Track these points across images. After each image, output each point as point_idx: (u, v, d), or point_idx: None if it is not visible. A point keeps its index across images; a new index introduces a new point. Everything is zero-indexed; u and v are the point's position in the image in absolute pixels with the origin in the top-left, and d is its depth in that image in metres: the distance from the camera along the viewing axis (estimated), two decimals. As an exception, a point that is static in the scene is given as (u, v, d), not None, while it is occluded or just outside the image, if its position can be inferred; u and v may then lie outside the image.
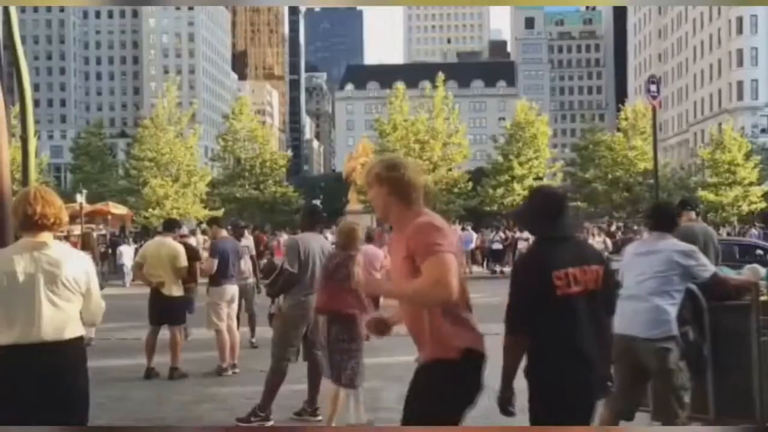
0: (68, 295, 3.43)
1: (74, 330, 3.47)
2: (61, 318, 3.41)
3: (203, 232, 28.00)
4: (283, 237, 26.24)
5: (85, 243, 22.53)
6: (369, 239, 12.21)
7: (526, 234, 30.12)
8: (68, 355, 3.43)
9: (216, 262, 8.90)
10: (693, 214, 7.57)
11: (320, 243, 6.59)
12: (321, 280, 5.99)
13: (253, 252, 11.31)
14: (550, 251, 3.41)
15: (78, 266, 3.50)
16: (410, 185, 3.34)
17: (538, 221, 3.55)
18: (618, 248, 30.53)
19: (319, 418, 6.43)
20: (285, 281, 6.33)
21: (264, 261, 24.79)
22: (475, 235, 30.48)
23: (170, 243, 8.88)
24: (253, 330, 11.02)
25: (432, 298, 3.14)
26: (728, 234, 33.22)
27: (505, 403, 3.58)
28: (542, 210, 3.52)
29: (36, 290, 3.37)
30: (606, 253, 19.25)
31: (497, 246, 29.68)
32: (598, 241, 29.94)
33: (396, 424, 6.00)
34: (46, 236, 3.46)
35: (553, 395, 3.49)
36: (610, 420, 4.92)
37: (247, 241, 12.01)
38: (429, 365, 3.33)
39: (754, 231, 30.62)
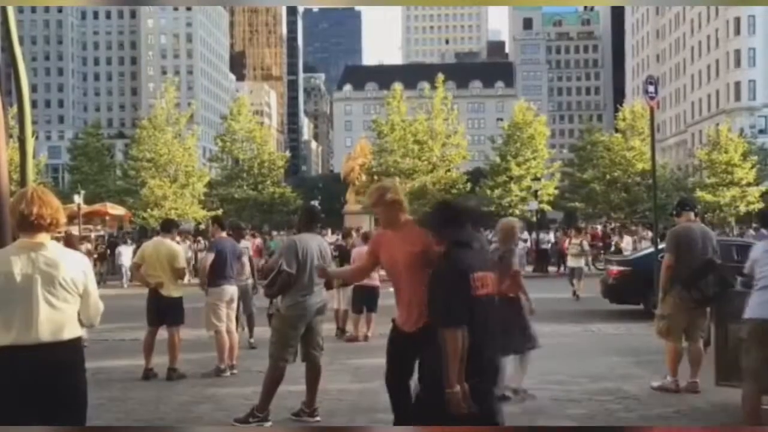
0: (65, 295, 3.43)
1: (72, 331, 3.47)
2: (58, 319, 3.40)
3: (197, 234, 27.98)
4: (257, 240, 26.01)
5: (67, 243, 22.50)
6: (366, 239, 12.39)
7: (525, 235, 30.11)
8: (66, 356, 3.43)
9: (212, 256, 8.90)
10: (692, 215, 7.63)
11: (318, 243, 6.60)
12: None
13: (251, 253, 11.32)
14: (468, 254, 3.78)
15: (75, 267, 3.49)
16: (402, 202, 4.83)
17: (450, 228, 3.87)
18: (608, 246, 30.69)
19: (317, 418, 6.42)
20: (283, 282, 6.32)
21: (262, 261, 24.84)
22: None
23: (168, 243, 8.88)
24: (251, 330, 11.03)
25: None
26: (726, 234, 33.26)
27: (457, 400, 3.61)
28: (455, 218, 3.89)
29: (33, 291, 3.37)
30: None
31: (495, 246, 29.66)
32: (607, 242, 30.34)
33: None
34: (43, 237, 3.46)
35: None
36: (755, 396, 5.39)
37: (246, 242, 12.03)
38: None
39: (751, 232, 30.58)
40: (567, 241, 20.71)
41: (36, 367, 3.32)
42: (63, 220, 3.55)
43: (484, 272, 3.77)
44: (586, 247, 20.50)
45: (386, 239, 4.93)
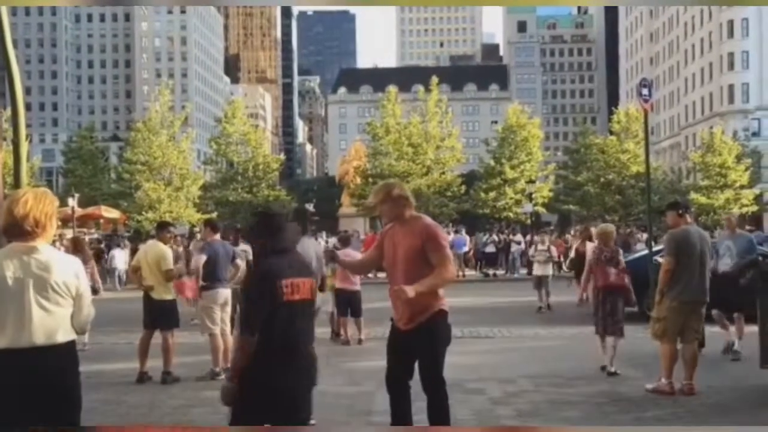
0: (58, 299, 3.41)
1: (66, 334, 3.46)
2: (51, 322, 3.39)
3: (191, 235, 27.89)
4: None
5: (76, 247, 22.43)
6: (344, 242, 12.65)
7: (518, 237, 30.16)
8: (60, 359, 3.41)
9: (203, 258, 8.87)
10: (688, 217, 7.69)
11: (314, 246, 6.68)
12: (595, 267, 8.65)
13: (251, 257, 11.23)
14: (277, 262, 3.87)
15: (68, 270, 3.47)
16: (408, 198, 5.06)
17: (264, 238, 4.00)
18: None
19: (312, 421, 6.40)
20: None
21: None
22: (468, 239, 30.52)
23: (156, 246, 8.83)
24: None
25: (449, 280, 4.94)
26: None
27: (232, 394, 3.79)
28: (267, 228, 4.01)
29: (26, 295, 3.35)
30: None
31: (489, 249, 29.68)
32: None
33: (389, 427, 6.00)
34: (36, 240, 3.44)
35: (261, 392, 3.76)
36: None
37: (246, 245, 11.99)
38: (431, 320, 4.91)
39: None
40: (534, 247, 18.79)
41: (30, 371, 3.31)
42: (51, 223, 3.52)
43: (297, 278, 3.85)
44: (554, 252, 18.56)
45: (392, 232, 5.07)
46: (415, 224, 4.95)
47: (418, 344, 4.90)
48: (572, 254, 17.06)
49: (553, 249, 18.22)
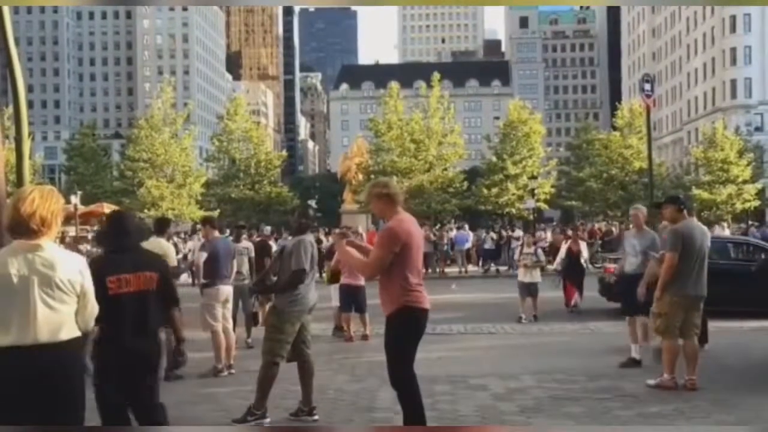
0: (62, 296, 3.43)
1: (70, 331, 3.47)
2: (56, 319, 3.41)
3: (192, 232, 27.95)
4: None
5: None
6: (343, 237, 12.48)
7: (518, 233, 30.12)
8: (65, 356, 3.43)
9: (205, 255, 8.91)
10: (686, 213, 7.67)
11: (312, 244, 6.79)
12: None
13: (252, 254, 11.25)
14: (107, 260, 4.52)
15: (72, 268, 3.49)
16: (394, 196, 5.21)
17: (105, 238, 4.83)
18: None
19: (316, 417, 6.42)
20: (296, 278, 6.44)
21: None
22: (471, 235, 30.52)
23: (159, 243, 8.85)
24: (249, 330, 11.03)
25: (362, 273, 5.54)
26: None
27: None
28: (108, 229, 4.76)
29: (30, 292, 3.36)
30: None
31: (489, 245, 29.66)
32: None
33: (392, 423, 6.02)
34: (41, 238, 3.45)
35: (98, 376, 4.42)
36: None
37: (247, 243, 12.00)
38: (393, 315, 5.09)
39: (754, 231, 30.47)
40: (519, 249, 15.88)
41: (35, 368, 3.33)
42: (57, 221, 3.52)
43: (130, 274, 4.37)
44: (542, 257, 15.89)
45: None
46: (385, 225, 5.24)
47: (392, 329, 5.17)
48: (563, 254, 15.98)
49: (540, 252, 15.82)
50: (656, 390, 7.28)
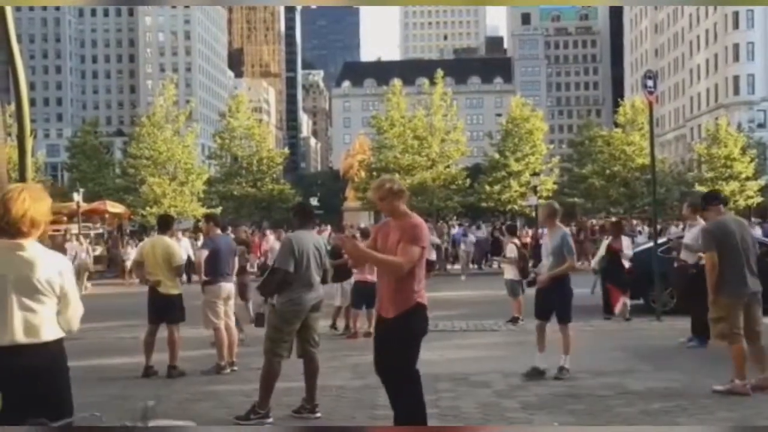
0: (40, 297, 3.34)
1: (50, 332, 3.38)
2: (35, 320, 3.33)
3: (196, 230, 28.00)
4: (271, 237, 26.18)
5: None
6: (365, 235, 12.33)
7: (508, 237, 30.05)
8: (45, 358, 3.35)
9: (206, 252, 8.90)
10: (721, 207, 7.38)
11: (314, 240, 6.67)
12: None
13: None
14: None
15: (52, 268, 3.39)
16: (404, 194, 5.14)
17: None
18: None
19: (318, 415, 6.42)
20: (281, 280, 6.35)
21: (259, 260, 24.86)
22: (473, 232, 30.52)
23: (164, 241, 8.84)
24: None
25: (395, 271, 4.92)
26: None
27: None
28: None
29: (7, 292, 3.29)
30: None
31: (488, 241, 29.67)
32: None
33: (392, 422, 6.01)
34: (22, 238, 3.36)
35: None
36: None
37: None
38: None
39: (757, 227, 30.34)
40: (505, 248, 14.17)
41: (13, 369, 3.25)
42: (44, 221, 3.41)
43: None
44: (513, 253, 13.53)
45: (385, 227, 5.22)
46: (405, 221, 5.03)
47: (394, 333, 5.08)
48: (602, 251, 14.01)
49: (513, 248, 13.70)
50: (658, 387, 7.26)
